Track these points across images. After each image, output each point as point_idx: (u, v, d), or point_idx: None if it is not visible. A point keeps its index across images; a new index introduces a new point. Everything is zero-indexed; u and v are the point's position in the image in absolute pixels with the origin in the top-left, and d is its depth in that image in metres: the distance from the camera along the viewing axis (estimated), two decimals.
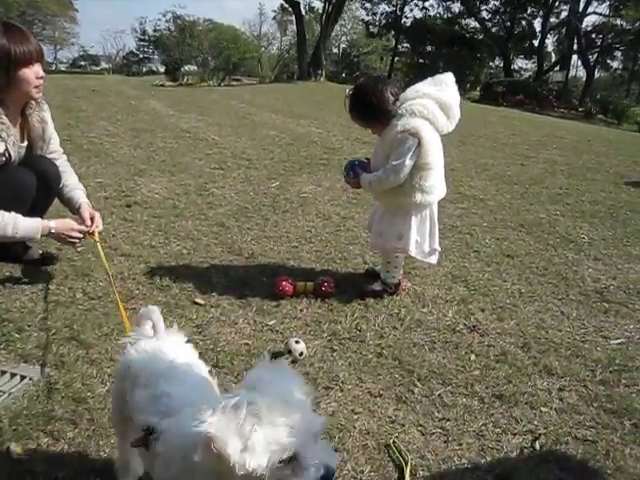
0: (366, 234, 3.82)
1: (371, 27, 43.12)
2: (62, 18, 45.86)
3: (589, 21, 47.19)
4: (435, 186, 2.81)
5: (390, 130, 2.72)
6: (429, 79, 2.85)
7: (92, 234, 2.79)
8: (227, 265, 3.23)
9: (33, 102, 2.71)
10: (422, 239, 2.91)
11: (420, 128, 2.65)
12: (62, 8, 43.95)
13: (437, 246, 2.98)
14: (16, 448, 1.72)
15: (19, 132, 2.68)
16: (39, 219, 2.60)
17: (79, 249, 3.11)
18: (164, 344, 1.47)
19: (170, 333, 1.55)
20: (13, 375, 2.09)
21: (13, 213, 2.49)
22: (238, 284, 3.00)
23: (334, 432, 1.91)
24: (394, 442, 1.87)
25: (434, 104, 2.71)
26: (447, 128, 2.79)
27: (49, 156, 2.87)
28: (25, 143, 2.72)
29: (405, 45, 44.37)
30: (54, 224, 2.62)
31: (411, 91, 2.77)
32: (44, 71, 2.62)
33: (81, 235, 2.73)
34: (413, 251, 2.88)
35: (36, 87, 2.56)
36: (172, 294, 2.84)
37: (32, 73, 2.50)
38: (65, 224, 2.67)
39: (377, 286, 3.02)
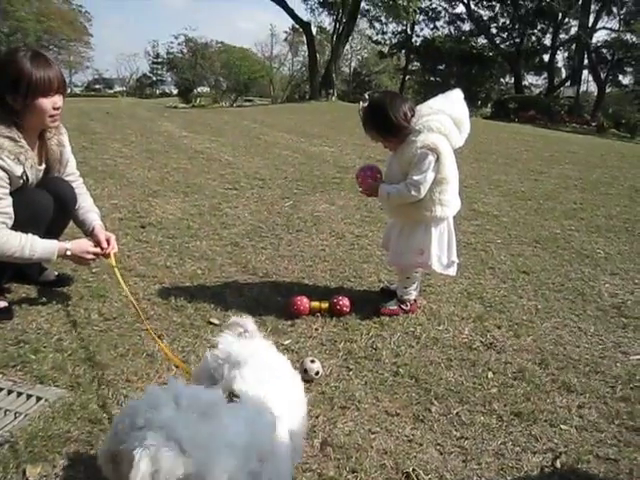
0: (380, 252, 3.82)
1: (380, 46, 43.43)
2: (77, 43, 46.88)
3: (599, 36, 47.17)
4: (452, 199, 2.86)
5: (408, 145, 2.75)
6: (440, 95, 2.89)
7: (108, 256, 2.81)
8: (242, 285, 3.23)
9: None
10: (441, 252, 2.92)
11: (438, 143, 2.70)
12: (77, 33, 44.92)
13: (455, 258, 2.99)
14: (32, 470, 1.72)
15: (37, 155, 2.72)
16: (56, 241, 2.62)
17: (94, 270, 3.14)
18: (259, 342, 1.73)
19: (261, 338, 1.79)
20: (29, 396, 2.10)
21: (30, 235, 2.51)
22: (253, 304, 3.00)
23: (351, 452, 1.89)
24: (414, 470, 1.84)
25: (449, 119, 2.76)
26: (459, 142, 2.83)
27: (66, 178, 2.90)
28: (43, 166, 2.75)
29: (415, 64, 44.65)
30: (70, 245, 2.64)
31: (425, 107, 2.80)
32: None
33: (95, 257, 2.75)
34: (435, 264, 2.89)
35: (51, 117, 2.57)
36: (187, 314, 2.84)
37: (50, 103, 2.52)
38: (81, 246, 2.69)
39: (393, 304, 3.00)
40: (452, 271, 2.99)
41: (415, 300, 3.04)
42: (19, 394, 2.11)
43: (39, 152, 2.74)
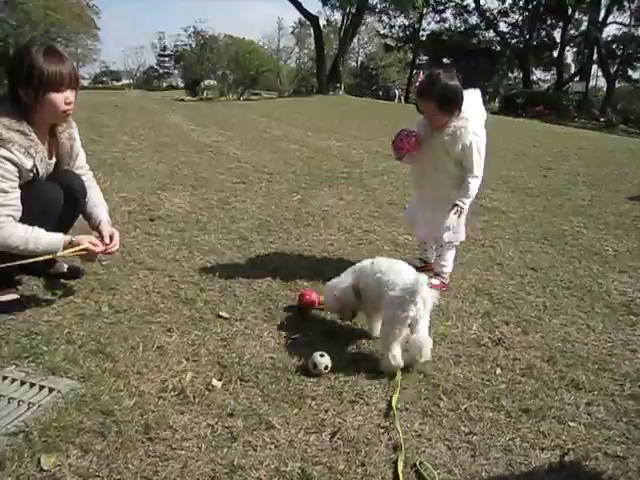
0: (389, 248, 3.84)
1: (388, 40, 43.30)
2: (84, 36, 46.92)
3: (609, 31, 46.84)
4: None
5: (458, 129, 2.97)
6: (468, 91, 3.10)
7: (109, 253, 2.83)
8: (251, 278, 3.24)
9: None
10: (464, 225, 3.28)
11: (482, 131, 3.05)
12: (84, 26, 44.98)
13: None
14: (47, 459, 1.74)
15: (48, 149, 2.73)
16: (61, 234, 2.61)
17: (104, 263, 3.16)
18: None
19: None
20: (42, 387, 2.12)
21: (36, 228, 2.51)
22: (262, 297, 3.01)
23: (360, 446, 1.91)
24: (421, 463, 1.85)
25: (482, 110, 3.14)
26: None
27: (76, 172, 2.91)
28: (53, 160, 2.77)
29: (423, 58, 44.47)
30: (75, 239, 2.62)
31: (467, 97, 3.03)
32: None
33: (97, 250, 2.69)
34: (463, 237, 3.30)
35: (64, 112, 2.58)
36: (197, 307, 2.86)
37: (61, 98, 2.53)
38: (85, 241, 2.65)
39: (435, 280, 3.23)
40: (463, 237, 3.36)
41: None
42: (32, 385, 2.13)
43: (49, 146, 2.75)
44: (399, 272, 2.45)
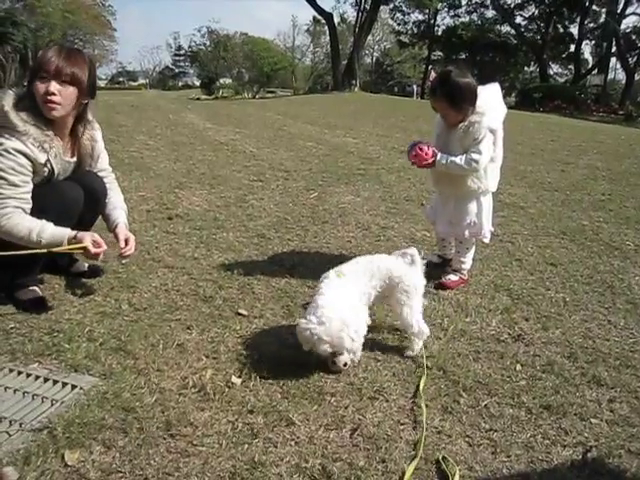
0: (407, 243, 3.82)
1: (402, 37, 43.14)
2: (101, 37, 47.36)
3: (628, 22, 46.20)
4: (498, 174, 3.22)
5: (472, 124, 2.97)
6: (486, 86, 3.11)
7: (123, 256, 2.84)
8: (269, 276, 3.25)
9: (83, 121, 2.78)
10: (488, 222, 3.25)
11: (498, 126, 3.04)
12: (101, 27, 45.41)
13: (492, 227, 3.33)
14: (70, 455, 1.76)
15: (69, 147, 2.76)
16: (67, 230, 2.56)
17: (124, 261, 3.19)
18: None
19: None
20: (64, 384, 2.15)
21: (43, 220, 2.51)
22: (281, 295, 3.02)
23: (380, 442, 1.91)
24: (444, 458, 1.85)
25: (502, 104, 3.12)
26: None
27: (98, 174, 2.94)
28: (74, 159, 2.80)
29: (438, 54, 44.23)
30: (80, 235, 2.57)
31: (484, 92, 3.04)
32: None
33: (94, 251, 2.60)
34: (487, 235, 3.26)
35: (44, 102, 2.52)
36: (215, 305, 2.87)
37: (42, 87, 2.50)
38: (87, 238, 2.59)
39: (453, 276, 3.29)
40: (488, 239, 3.33)
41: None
42: (55, 382, 2.16)
43: (71, 145, 2.79)
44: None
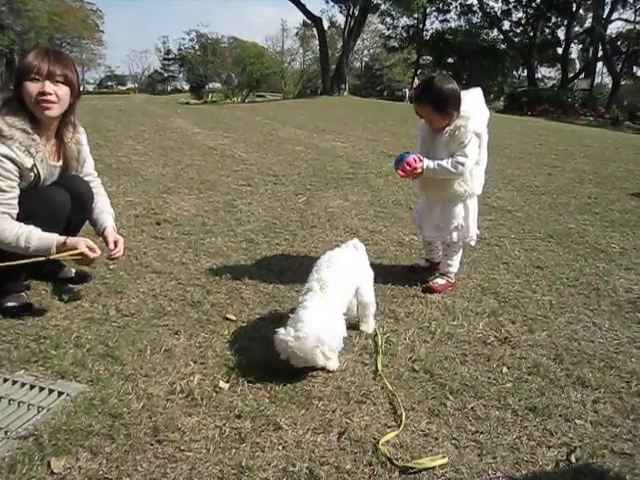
0: (394, 248, 3.85)
1: (392, 41, 43.33)
2: (89, 40, 47.20)
3: (614, 28, 46.63)
4: (483, 177, 3.28)
5: (457, 129, 3.02)
6: (469, 91, 3.16)
7: (113, 258, 2.84)
8: (257, 281, 3.25)
9: (69, 123, 2.78)
10: (474, 225, 3.29)
11: (482, 130, 3.09)
12: (89, 31, 45.29)
13: (477, 230, 3.37)
14: (57, 462, 1.75)
15: (55, 151, 2.75)
16: (55, 235, 2.54)
17: (111, 267, 3.18)
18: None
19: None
20: (51, 391, 2.14)
21: (31, 226, 2.49)
22: (269, 300, 3.03)
23: (367, 446, 1.91)
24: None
25: (484, 108, 3.16)
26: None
27: (84, 179, 2.94)
28: (60, 163, 2.79)
29: (427, 58, 44.46)
30: (69, 241, 2.54)
31: (468, 97, 3.08)
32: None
33: (93, 255, 2.59)
34: (473, 238, 3.30)
35: (38, 103, 2.52)
36: (203, 310, 2.87)
37: (35, 88, 2.50)
38: (79, 243, 2.57)
39: (441, 280, 3.30)
40: (474, 242, 3.39)
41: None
42: (41, 389, 2.15)
43: (57, 149, 2.78)
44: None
